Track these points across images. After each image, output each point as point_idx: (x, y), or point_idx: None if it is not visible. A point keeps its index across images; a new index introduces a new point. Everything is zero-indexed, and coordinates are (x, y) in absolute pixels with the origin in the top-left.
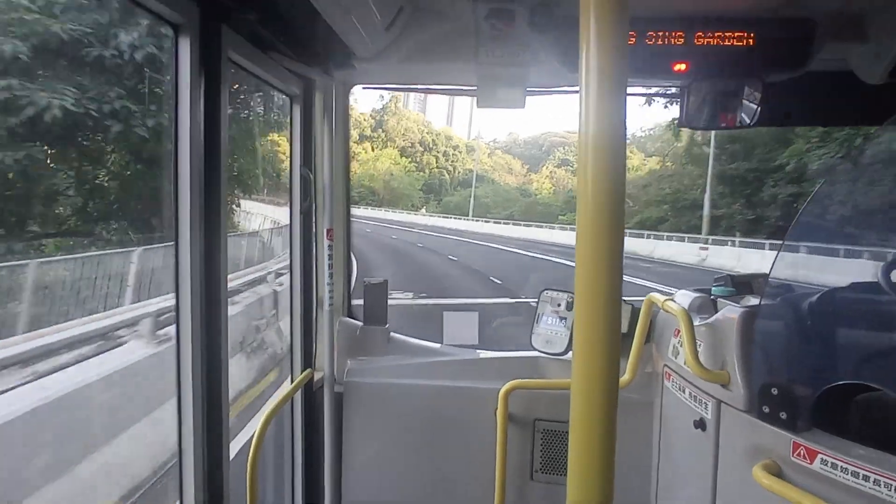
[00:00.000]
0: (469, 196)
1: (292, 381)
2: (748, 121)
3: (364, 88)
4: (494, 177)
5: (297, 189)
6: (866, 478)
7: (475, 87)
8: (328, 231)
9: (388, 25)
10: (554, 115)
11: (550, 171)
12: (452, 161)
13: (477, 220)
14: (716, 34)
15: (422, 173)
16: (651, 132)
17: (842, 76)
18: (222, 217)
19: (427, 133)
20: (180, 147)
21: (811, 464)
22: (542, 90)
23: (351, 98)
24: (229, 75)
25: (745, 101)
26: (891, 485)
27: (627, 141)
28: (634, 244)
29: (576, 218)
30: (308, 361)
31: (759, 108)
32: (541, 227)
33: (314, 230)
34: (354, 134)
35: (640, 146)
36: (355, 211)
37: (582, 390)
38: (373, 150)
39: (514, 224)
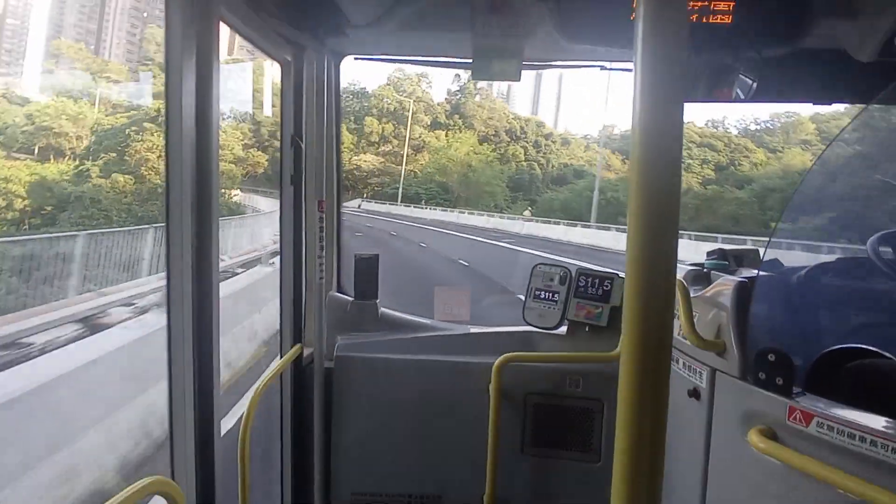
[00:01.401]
0: (580, 194)
1: (281, 357)
2: (743, 96)
3: (356, 59)
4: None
5: (287, 158)
6: (862, 439)
7: (470, 60)
8: (319, 203)
9: None
10: None
11: None
12: (545, 153)
13: (608, 229)
14: (711, 6)
15: (506, 166)
16: (769, 124)
17: (833, 53)
18: (214, 195)
19: (514, 119)
20: (171, 117)
21: (807, 426)
22: (538, 64)
23: (424, 84)
24: (218, 36)
25: (740, 76)
26: (888, 445)
27: (739, 133)
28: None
29: (628, 208)
30: (298, 336)
31: (753, 84)
32: None
33: (304, 202)
34: (426, 119)
35: (758, 140)
36: (422, 213)
37: (631, 380)
38: (447, 137)
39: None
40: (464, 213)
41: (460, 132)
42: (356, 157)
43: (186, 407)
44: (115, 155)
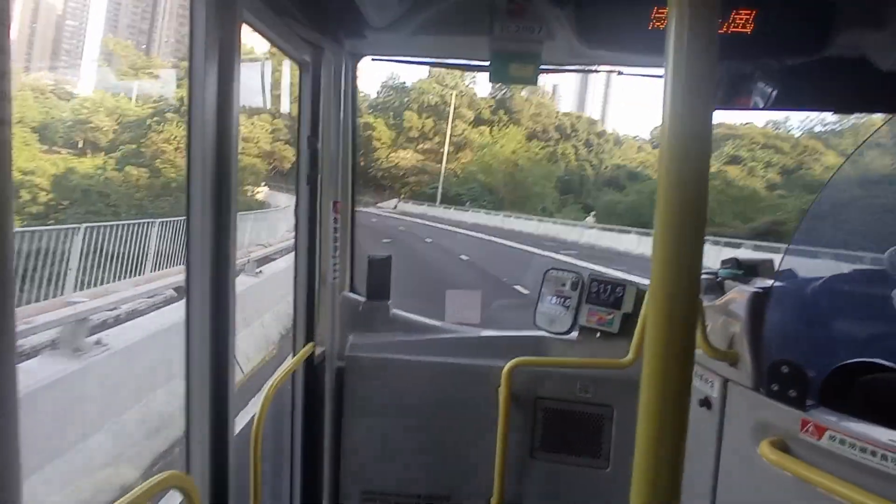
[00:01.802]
0: (649, 197)
1: (294, 355)
2: (761, 104)
3: (373, 60)
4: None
5: (304, 159)
6: (874, 453)
7: (487, 63)
8: (335, 204)
9: None
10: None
11: (717, 170)
12: (597, 153)
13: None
14: (732, 15)
15: (555, 165)
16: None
17: (855, 62)
18: (233, 190)
19: (564, 115)
20: (193, 116)
21: (819, 440)
22: (554, 67)
23: (468, 77)
24: (240, 37)
25: (759, 84)
26: None
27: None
28: None
29: (655, 212)
30: (310, 335)
31: (773, 92)
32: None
33: (319, 202)
34: (470, 114)
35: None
36: (462, 216)
37: (653, 396)
38: (491, 133)
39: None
40: (510, 216)
41: (506, 128)
42: (394, 154)
43: (203, 402)
44: (133, 147)
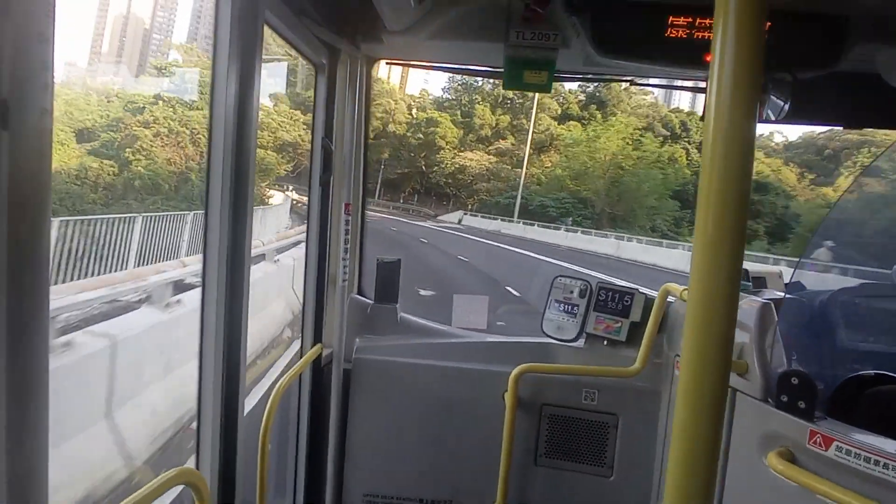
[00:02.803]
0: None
1: (301, 356)
2: (773, 117)
3: (388, 63)
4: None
5: (317, 160)
6: (877, 462)
7: (501, 69)
8: (346, 205)
9: None
10: None
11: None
12: None
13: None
14: None
15: (673, 168)
16: None
17: (868, 78)
18: (250, 186)
19: (672, 111)
20: (214, 114)
21: (826, 451)
22: (569, 76)
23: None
24: (262, 37)
25: (772, 97)
26: None
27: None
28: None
29: (695, 221)
30: (318, 337)
31: (785, 105)
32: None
33: (331, 204)
34: (555, 103)
35: None
36: (553, 237)
37: (689, 391)
38: (583, 129)
39: None
40: (622, 237)
41: (605, 120)
42: (460, 156)
43: (215, 401)
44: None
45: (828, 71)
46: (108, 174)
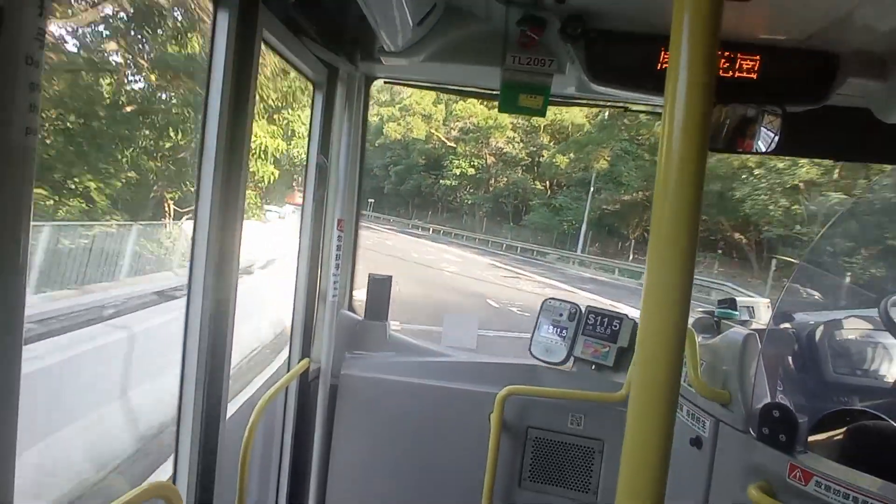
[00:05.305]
0: None
1: (288, 370)
2: (763, 148)
3: (385, 83)
4: None
5: (312, 176)
6: (855, 500)
7: (496, 92)
8: (339, 221)
9: (419, 21)
10: None
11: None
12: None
13: None
14: (738, 62)
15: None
16: None
17: (858, 112)
18: (241, 198)
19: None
20: (206, 132)
21: (805, 485)
22: (562, 101)
23: None
24: (259, 55)
25: (763, 129)
26: None
27: None
28: None
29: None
30: (306, 351)
31: (775, 137)
32: None
33: (324, 220)
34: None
35: None
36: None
37: (639, 413)
38: None
39: None
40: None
41: None
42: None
43: (196, 412)
44: None
45: (818, 105)
46: None
